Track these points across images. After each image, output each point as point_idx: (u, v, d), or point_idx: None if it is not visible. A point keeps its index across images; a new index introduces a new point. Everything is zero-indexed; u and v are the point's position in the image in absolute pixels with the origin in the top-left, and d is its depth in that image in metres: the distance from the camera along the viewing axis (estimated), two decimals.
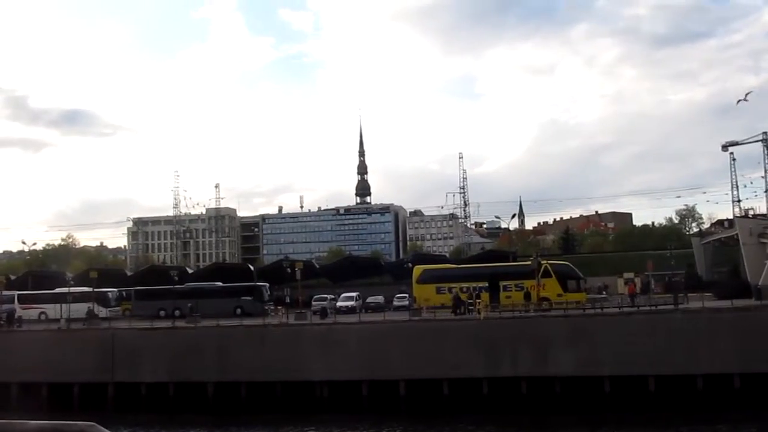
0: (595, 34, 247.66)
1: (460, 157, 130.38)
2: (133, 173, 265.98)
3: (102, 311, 51.19)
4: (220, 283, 56.41)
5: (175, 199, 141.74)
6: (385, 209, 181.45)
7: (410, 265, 56.77)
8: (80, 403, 36.32)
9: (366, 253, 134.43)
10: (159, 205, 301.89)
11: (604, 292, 53.96)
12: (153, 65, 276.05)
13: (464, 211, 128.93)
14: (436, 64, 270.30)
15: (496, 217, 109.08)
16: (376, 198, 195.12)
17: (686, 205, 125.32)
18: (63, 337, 41.18)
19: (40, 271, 77.82)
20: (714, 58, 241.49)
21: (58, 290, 55.39)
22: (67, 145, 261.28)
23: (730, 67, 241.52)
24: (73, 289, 53.87)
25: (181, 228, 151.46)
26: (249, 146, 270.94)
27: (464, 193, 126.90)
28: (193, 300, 49.69)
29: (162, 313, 51.13)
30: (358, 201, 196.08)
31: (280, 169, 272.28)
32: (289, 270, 54.82)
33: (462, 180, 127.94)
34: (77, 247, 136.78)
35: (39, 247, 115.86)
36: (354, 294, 56.34)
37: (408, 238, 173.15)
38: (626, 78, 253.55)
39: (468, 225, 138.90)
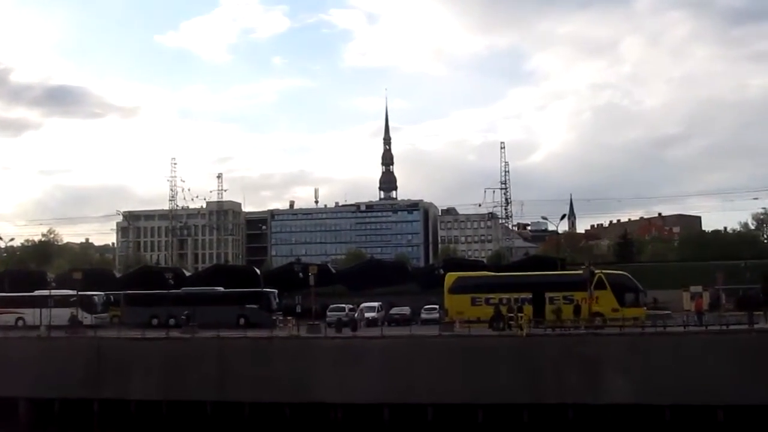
0: (662, 8, 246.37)
1: (501, 147, 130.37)
2: (124, 161, 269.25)
3: (87, 318, 51.77)
4: (221, 289, 56.86)
5: (172, 190, 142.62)
6: (413, 206, 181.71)
7: (441, 271, 56.82)
8: (62, 421, 36.91)
9: (390, 257, 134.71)
10: (153, 198, 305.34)
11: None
12: (152, 38, 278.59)
13: (505, 210, 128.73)
14: (474, 38, 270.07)
15: (543, 217, 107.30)
16: (402, 193, 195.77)
17: (764, 208, 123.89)
18: (43, 346, 41.75)
19: (17, 271, 78.64)
20: None
21: (37, 293, 55.96)
22: (51, 127, 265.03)
23: None
24: (54, 292, 54.45)
25: (178, 224, 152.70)
26: (257, 131, 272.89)
27: (506, 188, 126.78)
28: (191, 307, 50.10)
29: (155, 321, 51.64)
30: (382, 196, 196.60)
31: (293, 158, 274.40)
32: (301, 275, 55.05)
33: (504, 174, 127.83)
34: (60, 243, 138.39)
35: (17, 243, 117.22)
36: (376, 304, 56.52)
37: (439, 240, 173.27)
38: (697, 59, 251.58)
39: (509, 226, 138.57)
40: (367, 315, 52.79)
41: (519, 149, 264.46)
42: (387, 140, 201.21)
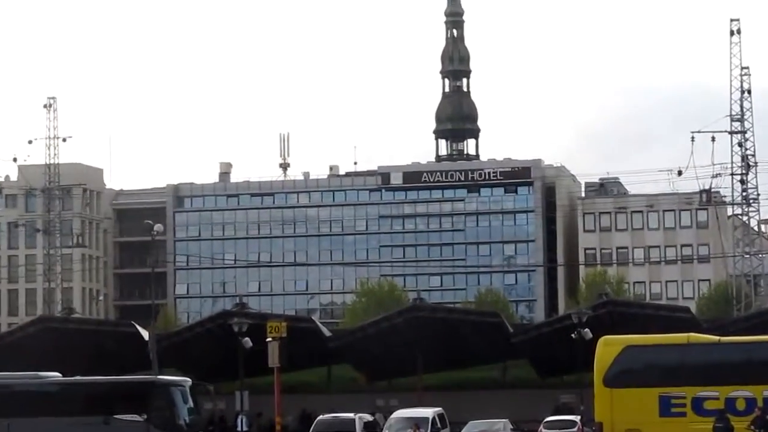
0: None
1: (732, 33, 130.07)
2: None
3: None
4: (57, 376, 57.64)
5: None
6: (517, 177, 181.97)
7: (588, 332, 57.30)
8: None
9: (463, 299, 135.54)
10: None
11: None
12: None
13: (743, 183, 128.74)
14: None
15: None
16: (489, 147, 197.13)
17: None
18: None
19: None
20: None
21: None
22: None
23: None
24: None
25: None
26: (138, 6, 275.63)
27: (744, 134, 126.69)
28: None
29: None
30: (446, 152, 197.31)
31: (226, 70, 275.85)
32: (247, 340, 55.74)
33: (739, 97, 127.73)
34: None
35: None
36: (429, 412, 57.16)
37: (583, 256, 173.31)
38: None
39: (753, 221, 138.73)
40: None
41: None
42: (454, 26, 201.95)
